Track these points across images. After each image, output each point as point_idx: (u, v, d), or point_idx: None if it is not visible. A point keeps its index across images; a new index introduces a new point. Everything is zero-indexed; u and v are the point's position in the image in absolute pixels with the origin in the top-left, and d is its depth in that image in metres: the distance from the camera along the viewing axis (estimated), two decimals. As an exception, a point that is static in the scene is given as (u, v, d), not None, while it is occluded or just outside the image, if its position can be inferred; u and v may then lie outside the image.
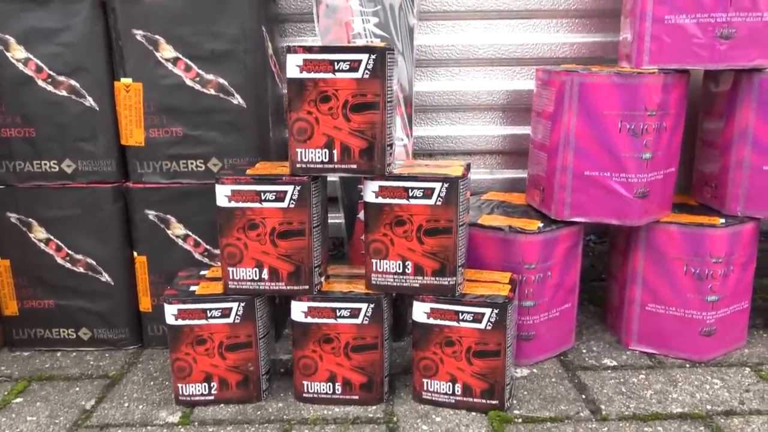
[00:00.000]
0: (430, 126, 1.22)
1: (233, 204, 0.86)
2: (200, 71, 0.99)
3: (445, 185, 0.83)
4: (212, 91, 0.99)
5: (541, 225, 0.98)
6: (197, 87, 0.99)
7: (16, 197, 1.04)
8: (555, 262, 0.99)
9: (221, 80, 0.99)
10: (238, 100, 1.00)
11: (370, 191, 0.85)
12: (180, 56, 0.98)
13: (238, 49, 0.98)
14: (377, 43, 0.83)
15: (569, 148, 0.97)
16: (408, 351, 1.02)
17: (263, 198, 0.85)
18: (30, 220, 1.04)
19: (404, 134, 1.09)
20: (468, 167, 0.89)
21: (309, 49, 0.81)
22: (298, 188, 0.84)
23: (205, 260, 1.05)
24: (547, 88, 1.00)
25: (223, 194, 0.86)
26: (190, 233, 1.05)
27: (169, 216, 1.04)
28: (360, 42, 1.06)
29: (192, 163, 1.02)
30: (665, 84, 0.93)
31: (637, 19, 0.97)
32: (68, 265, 1.06)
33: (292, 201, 0.85)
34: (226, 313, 0.88)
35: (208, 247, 1.05)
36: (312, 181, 0.85)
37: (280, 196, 0.85)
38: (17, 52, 0.98)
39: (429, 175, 0.84)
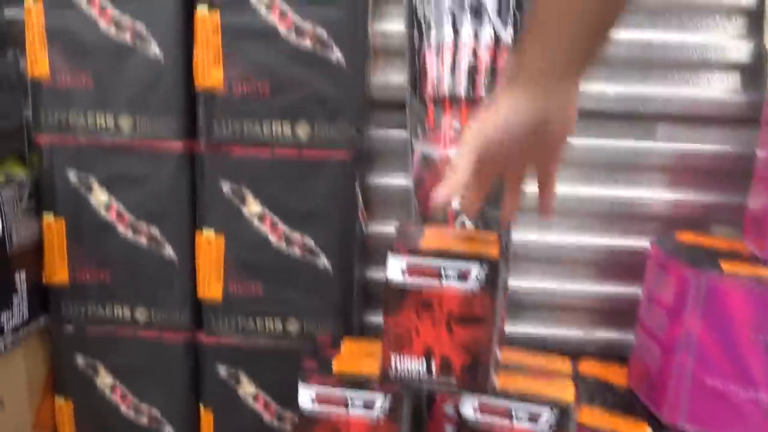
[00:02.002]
0: (523, 277, 1.12)
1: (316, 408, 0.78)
2: (286, 229, 0.92)
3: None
4: (297, 252, 0.93)
5: (650, 432, 0.87)
6: (282, 245, 0.93)
7: (86, 341, 0.99)
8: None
9: (308, 240, 0.92)
10: (324, 262, 0.93)
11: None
12: (267, 212, 0.92)
13: (328, 210, 0.91)
14: (491, 249, 0.75)
15: (689, 351, 0.86)
16: None
17: (350, 404, 0.77)
18: (97, 364, 1.00)
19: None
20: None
21: (414, 252, 0.73)
22: (389, 399, 0.76)
23: (276, 423, 0.98)
24: (665, 275, 0.89)
25: (307, 395, 0.78)
26: (261, 392, 0.98)
27: (240, 373, 0.98)
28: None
29: (270, 323, 0.96)
30: (810, 296, 0.81)
31: (775, 210, 0.86)
32: (132, 414, 1.00)
33: (381, 411, 0.77)
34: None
35: (278, 408, 0.98)
36: (405, 392, 0.77)
37: (368, 404, 0.77)
38: (100, 196, 0.94)
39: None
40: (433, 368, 0.75)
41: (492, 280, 0.72)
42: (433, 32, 0.95)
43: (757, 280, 0.82)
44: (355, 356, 0.83)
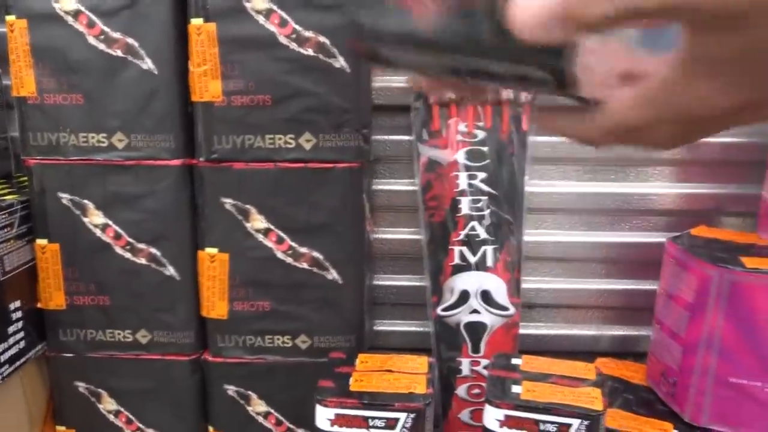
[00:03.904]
0: (534, 277, 1.10)
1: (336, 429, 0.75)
2: (293, 244, 0.89)
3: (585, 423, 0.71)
4: (305, 265, 0.89)
5: (675, 433, 0.85)
6: (289, 260, 0.89)
7: (86, 367, 0.95)
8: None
9: (315, 254, 0.89)
10: (333, 275, 0.90)
11: (491, 418, 0.74)
12: (272, 227, 0.88)
13: (336, 221, 0.88)
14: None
15: (713, 350, 0.84)
16: None
17: (371, 424, 0.74)
18: (100, 390, 0.96)
19: (510, 303, 0.98)
20: (605, 388, 0.77)
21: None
22: (411, 417, 0.74)
23: (288, 442, 0.95)
24: (685, 273, 0.87)
25: (325, 417, 0.75)
26: (272, 411, 0.95)
27: (250, 392, 0.94)
28: (464, 202, 0.95)
29: (279, 339, 0.93)
30: (834, 289, 0.80)
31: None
32: (139, 440, 0.96)
33: (404, 429, 0.74)
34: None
35: (291, 426, 0.95)
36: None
37: (390, 424, 0.74)
38: (95, 218, 0.90)
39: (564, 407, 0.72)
40: None
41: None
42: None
43: (780, 275, 0.80)
44: (371, 372, 0.80)
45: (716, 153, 1.03)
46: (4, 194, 0.92)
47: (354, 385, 0.77)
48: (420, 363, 0.84)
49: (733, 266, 0.82)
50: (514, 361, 0.83)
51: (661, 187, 1.05)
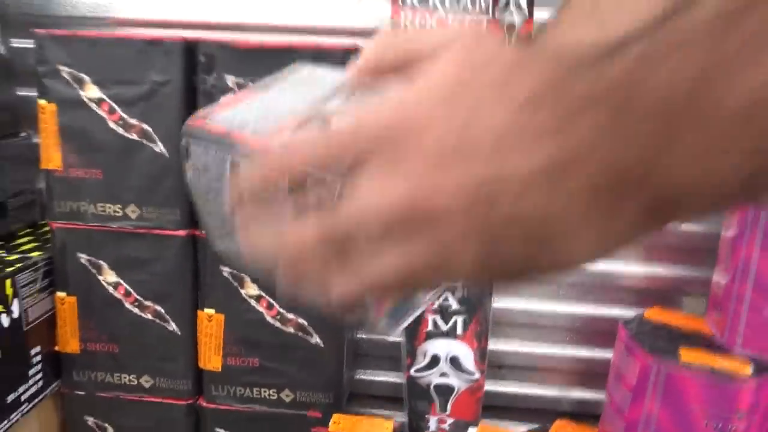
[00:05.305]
0: (504, 340, 1.20)
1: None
2: (281, 310, 1.00)
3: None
4: (291, 329, 1.00)
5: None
6: (277, 324, 1.00)
7: (96, 404, 1.07)
8: None
9: (301, 320, 1.00)
10: (316, 339, 1.01)
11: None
12: (263, 294, 0.99)
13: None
14: None
15: None
16: None
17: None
18: (106, 425, 1.08)
19: (476, 368, 1.08)
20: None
21: None
22: (371, 483, 0.84)
23: (271, 482, 1.07)
24: (630, 358, 0.97)
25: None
26: (257, 454, 1.06)
27: (238, 436, 1.06)
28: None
29: (265, 392, 1.04)
30: (758, 387, 0.89)
31: (732, 301, 0.93)
32: (138, 471, 1.08)
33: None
34: None
35: (274, 468, 1.06)
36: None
37: (353, 487, 0.85)
38: (109, 276, 1.01)
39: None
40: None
41: None
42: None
43: (711, 370, 0.89)
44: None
45: (678, 238, 1.12)
46: (30, 249, 1.04)
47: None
48: (387, 427, 0.94)
49: (670, 359, 0.91)
50: (470, 430, 0.94)
51: (625, 265, 1.15)
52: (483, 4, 0.97)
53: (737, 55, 0.22)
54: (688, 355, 0.93)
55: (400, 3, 0.98)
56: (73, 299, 1.02)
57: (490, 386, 1.14)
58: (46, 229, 1.09)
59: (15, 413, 0.95)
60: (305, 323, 1.00)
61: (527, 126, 0.25)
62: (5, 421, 0.93)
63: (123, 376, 1.05)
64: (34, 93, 0.98)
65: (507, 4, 0.96)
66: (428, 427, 1.09)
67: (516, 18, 0.97)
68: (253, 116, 0.44)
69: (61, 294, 1.02)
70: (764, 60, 0.22)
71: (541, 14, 0.96)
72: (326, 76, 0.45)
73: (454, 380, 1.07)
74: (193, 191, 0.47)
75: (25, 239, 1.09)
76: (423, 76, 0.27)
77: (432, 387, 1.08)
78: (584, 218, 0.25)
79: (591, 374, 1.18)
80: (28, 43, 1.01)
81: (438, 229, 0.26)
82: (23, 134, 1.11)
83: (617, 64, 0.24)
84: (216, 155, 0.43)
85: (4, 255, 1.00)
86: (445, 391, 1.08)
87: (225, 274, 0.99)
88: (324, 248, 0.28)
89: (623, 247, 0.27)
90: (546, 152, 0.24)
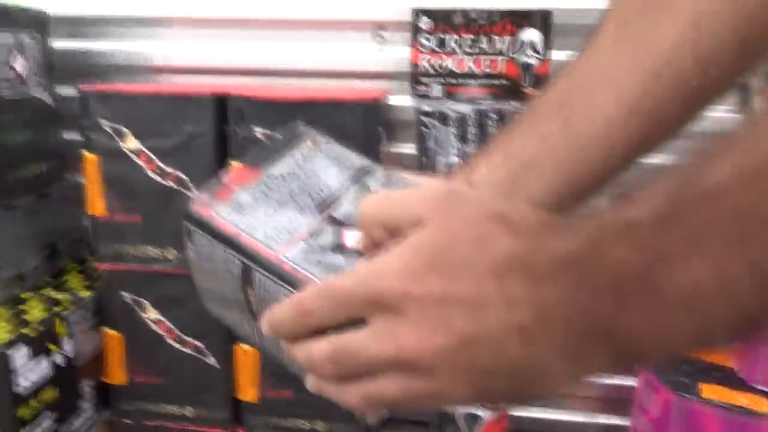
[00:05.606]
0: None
1: None
2: (312, 345, 1.05)
3: None
4: (322, 363, 1.05)
5: None
6: (309, 358, 1.05)
7: (142, 432, 1.14)
8: None
9: (331, 354, 1.05)
10: (345, 372, 1.05)
11: None
12: (295, 331, 1.04)
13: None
14: None
15: (672, 464, 0.95)
16: None
17: None
18: (152, 452, 1.15)
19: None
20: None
21: None
22: None
23: (306, 506, 1.12)
24: (651, 391, 0.99)
25: None
26: (293, 479, 1.12)
27: (275, 463, 1.11)
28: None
29: (299, 422, 1.09)
30: (780, 423, 0.90)
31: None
32: (183, 495, 1.15)
33: None
34: None
35: (309, 492, 1.12)
36: None
37: None
38: (151, 314, 1.08)
39: None
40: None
41: None
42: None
43: (730, 407, 0.91)
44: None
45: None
46: (80, 288, 1.11)
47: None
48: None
49: (690, 395, 0.93)
50: (496, 462, 0.97)
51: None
52: (499, 46, 1.00)
53: (676, 250, 0.26)
54: (709, 390, 0.94)
55: (419, 47, 1.02)
56: (119, 337, 1.09)
57: (516, 411, 1.17)
58: (91, 265, 1.16)
59: (69, 444, 1.03)
60: (335, 357, 1.04)
61: (499, 291, 0.29)
62: (60, 452, 1.01)
63: (167, 406, 1.12)
64: (77, 136, 1.05)
65: (522, 45, 0.99)
66: (457, 454, 1.13)
67: (532, 60, 0.99)
68: (260, 216, 0.48)
69: (108, 331, 1.09)
70: (700, 257, 0.26)
71: (557, 56, 0.98)
72: (329, 167, 0.49)
73: (480, 410, 1.11)
74: (191, 265, 0.52)
75: (72, 274, 1.16)
76: (407, 245, 0.32)
77: (460, 416, 1.11)
78: (559, 362, 0.30)
79: (617, 400, 1.20)
80: (70, 90, 1.08)
81: (429, 374, 0.32)
82: (68, 176, 1.18)
83: (576, 239, 0.28)
84: (224, 254, 0.47)
85: (53, 293, 1.08)
86: (472, 420, 1.11)
87: (259, 311, 1.04)
88: (334, 366, 0.35)
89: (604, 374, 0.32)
90: (518, 316, 0.29)
